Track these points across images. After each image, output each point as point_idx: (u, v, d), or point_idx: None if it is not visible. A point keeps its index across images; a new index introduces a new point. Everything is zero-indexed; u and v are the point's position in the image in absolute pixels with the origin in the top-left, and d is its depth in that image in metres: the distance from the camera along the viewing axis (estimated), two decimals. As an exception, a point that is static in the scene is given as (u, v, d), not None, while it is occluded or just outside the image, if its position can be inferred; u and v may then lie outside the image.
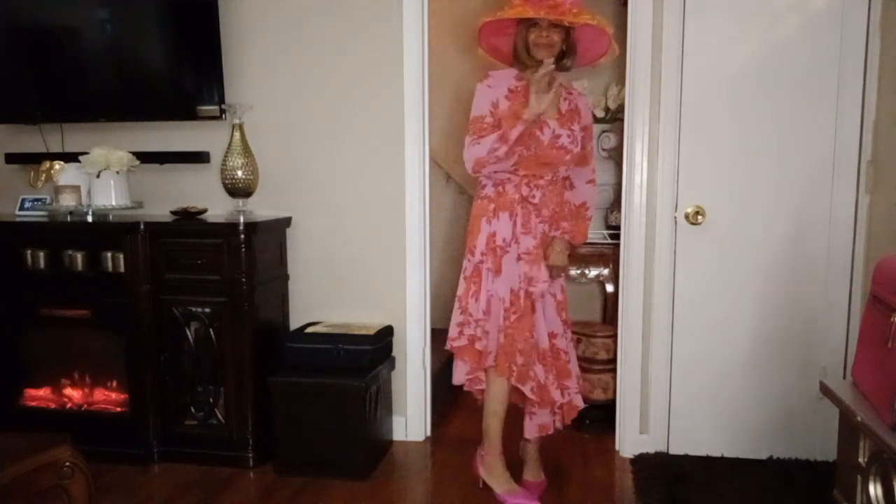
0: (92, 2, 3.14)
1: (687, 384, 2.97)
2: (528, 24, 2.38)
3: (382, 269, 3.18)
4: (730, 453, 2.95)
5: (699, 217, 2.87)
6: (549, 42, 2.37)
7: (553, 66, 2.34)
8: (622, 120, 3.00)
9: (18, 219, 3.19)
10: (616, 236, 3.24)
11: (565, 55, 2.45)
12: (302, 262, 3.24)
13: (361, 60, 3.10)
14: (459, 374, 2.59)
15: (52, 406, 3.11)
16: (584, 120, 2.54)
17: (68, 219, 3.07)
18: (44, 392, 3.14)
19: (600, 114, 3.55)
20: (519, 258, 2.45)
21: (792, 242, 2.85)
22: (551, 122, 2.44)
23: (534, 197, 2.45)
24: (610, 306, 3.61)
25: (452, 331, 2.56)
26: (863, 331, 2.12)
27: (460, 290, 2.56)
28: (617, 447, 3.07)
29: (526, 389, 2.46)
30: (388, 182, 3.14)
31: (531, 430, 2.56)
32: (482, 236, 2.48)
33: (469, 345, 2.52)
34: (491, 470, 2.61)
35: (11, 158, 3.39)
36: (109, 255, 2.94)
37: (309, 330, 3.05)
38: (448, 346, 2.58)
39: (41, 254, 3.00)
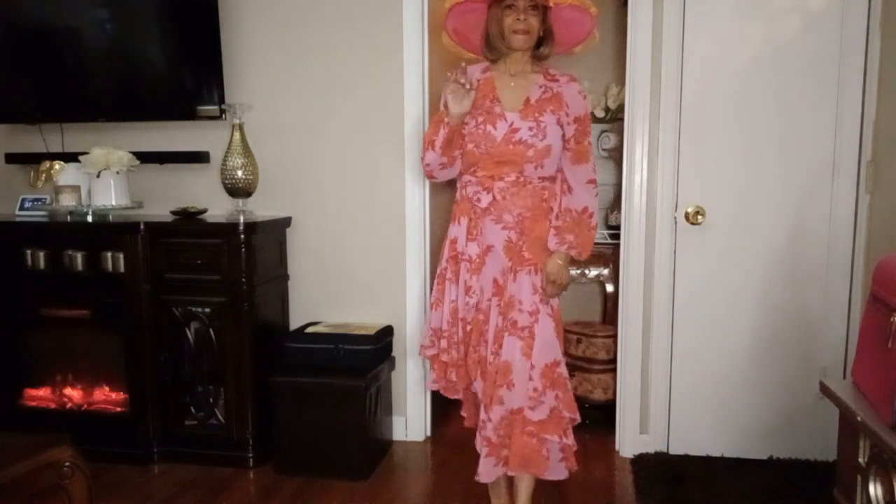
0: (92, 2, 3.14)
1: (687, 384, 2.97)
2: (503, 6, 2.12)
3: (382, 269, 3.18)
4: (730, 453, 2.95)
5: (699, 217, 2.87)
6: (527, 27, 2.12)
7: (463, 66, 2.10)
8: (622, 120, 3.00)
9: (18, 219, 3.19)
10: (616, 236, 3.24)
11: (543, 42, 2.20)
12: (302, 262, 3.24)
13: (361, 60, 3.10)
14: (430, 380, 2.44)
15: (52, 406, 3.12)
16: (573, 110, 2.20)
17: (68, 219, 3.07)
18: (44, 392, 3.15)
19: (600, 114, 3.56)
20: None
21: (792, 242, 2.85)
22: (510, 114, 2.16)
23: (479, 201, 2.20)
24: (610, 306, 3.62)
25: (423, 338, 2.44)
26: (863, 331, 2.12)
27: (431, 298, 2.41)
28: (617, 447, 3.07)
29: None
30: (388, 182, 3.14)
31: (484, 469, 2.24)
32: (447, 243, 2.31)
33: (433, 356, 2.37)
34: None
35: (11, 158, 3.39)
36: (109, 255, 2.94)
37: (309, 330, 3.05)
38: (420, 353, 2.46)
39: (41, 254, 3.00)
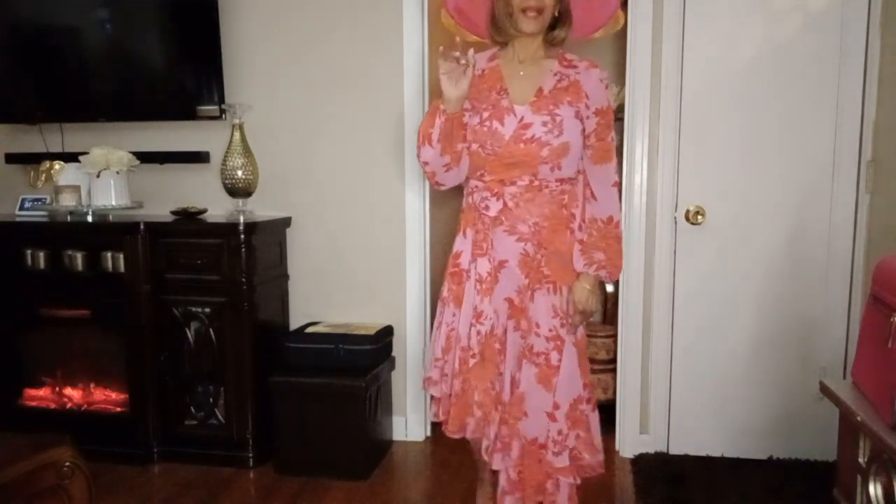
0: (92, 2, 3.14)
1: (687, 384, 2.97)
2: None
3: (382, 269, 3.18)
4: (730, 453, 2.95)
5: (699, 217, 2.87)
6: (539, 4, 1.83)
7: (458, 41, 1.80)
8: (622, 120, 3.00)
9: (18, 219, 3.19)
10: (616, 236, 3.23)
11: (558, 23, 1.90)
12: (302, 262, 3.24)
13: (362, 60, 3.10)
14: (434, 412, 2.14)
15: (52, 406, 3.11)
16: (594, 101, 1.91)
17: (68, 219, 3.07)
18: (44, 392, 3.14)
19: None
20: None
21: (792, 242, 2.85)
22: (519, 107, 1.88)
23: (488, 209, 1.92)
24: (610, 306, 3.61)
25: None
26: (863, 331, 2.12)
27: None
28: (617, 447, 3.07)
29: (482, 448, 2.03)
30: (388, 181, 3.14)
31: None
32: (450, 257, 2.03)
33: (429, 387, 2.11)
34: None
35: (11, 158, 3.39)
36: (109, 255, 2.94)
37: (309, 330, 3.05)
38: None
39: (41, 254, 3.00)
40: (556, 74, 1.92)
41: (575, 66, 1.94)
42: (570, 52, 2.02)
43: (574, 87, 1.91)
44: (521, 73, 1.93)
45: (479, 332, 1.94)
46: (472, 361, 1.95)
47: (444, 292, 2.02)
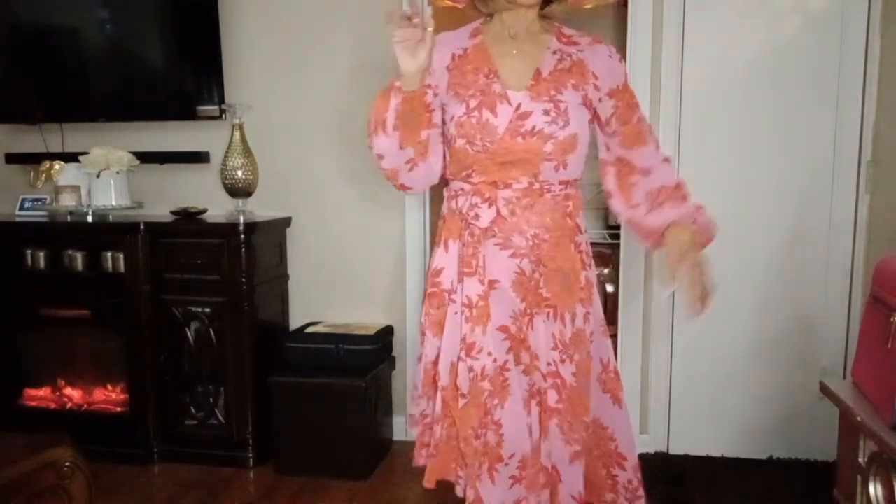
0: (92, 2, 3.14)
1: (687, 384, 2.97)
2: None
3: (382, 269, 3.18)
4: (730, 453, 2.95)
5: (699, 217, 2.87)
6: None
7: (411, 8, 1.35)
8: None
9: (18, 219, 3.19)
10: (616, 236, 3.24)
11: None
12: (302, 262, 3.24)
13: (361, 58, 3.10)
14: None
15: (52, 406, 3.11)
16: (605, 81, 1.57)
17: (68, 219, 3.07)
18: (44, 392, 3.15)
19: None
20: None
21: (792, 242, 2.85)
22: (515, 93, 1.52)
23: (478, 218, 1.55)
24: (610, 306, 3.61)
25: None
26: (863, 331, 2.12)
27: None
28: (617, 447, 3.07)
29: None
30: (388, 180, 3.13)
31: None
32: (428, 274, 1.68)
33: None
34: None
35: (11, 158, 3.39)
36: (109, 255, 2.94)
37: (309, 330, 3.05)
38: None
39: (41, 254, 3.00)
40: (555, 53, 1.57)
41: (576, 43, 1.59)
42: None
43: (578, 67, 1.56)
44: (514, 51, 1.57)
45: (470, 369, 1.54)
46: (461, 402, 1.56)
47: (422, 317, 1.67)
